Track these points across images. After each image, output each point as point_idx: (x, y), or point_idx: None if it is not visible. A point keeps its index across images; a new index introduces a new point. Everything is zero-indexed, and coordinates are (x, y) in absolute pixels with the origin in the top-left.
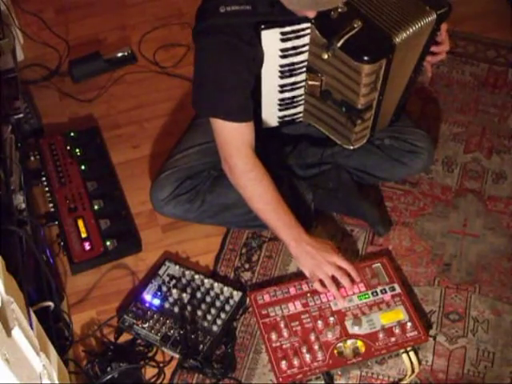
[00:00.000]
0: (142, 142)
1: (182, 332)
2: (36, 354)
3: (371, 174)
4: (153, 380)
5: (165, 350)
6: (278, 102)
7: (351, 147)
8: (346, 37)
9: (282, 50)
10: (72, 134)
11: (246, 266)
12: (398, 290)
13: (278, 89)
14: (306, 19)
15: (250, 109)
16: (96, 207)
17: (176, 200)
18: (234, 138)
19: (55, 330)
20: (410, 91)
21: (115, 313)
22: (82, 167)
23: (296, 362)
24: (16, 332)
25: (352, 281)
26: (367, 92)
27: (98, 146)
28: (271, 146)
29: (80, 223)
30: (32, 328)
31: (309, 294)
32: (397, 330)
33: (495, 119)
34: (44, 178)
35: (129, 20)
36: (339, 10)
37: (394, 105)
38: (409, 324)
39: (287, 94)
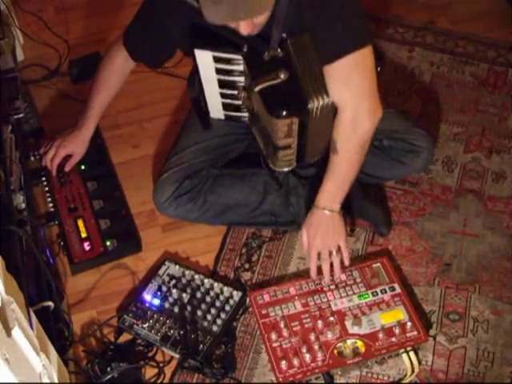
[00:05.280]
0: (142, 141)
1: (182, 332)
2: (36, 354)
3: (371, 175)
4: (153, 380)
5: (165, 350)
6: (222, 101)
7: (276, 169)
8: (266, 85)
9: (217, 70)
10: None
11: (246, 265)
12: (397, 289)
13: (219, 90)
14: (237, 50)
15: (146, 53)
16: (96, 207)
17: (177, 201)
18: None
19: (55, 330)
20: None
21: (115, 313)
22: (82, 167)
23: (296, 362)
24: (16, 332)
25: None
26: (283, 136)
27: (98, 146)
28: None
29: (80, 223)
30: (32, 328)
31: (308, 294)
32: (397, 330)
33: (495, 119)
34: (44, 178)
35: (129, 20)
36: (274, 53)
37: (325, 141)
38: (409, 324)
39: (228, 100)
